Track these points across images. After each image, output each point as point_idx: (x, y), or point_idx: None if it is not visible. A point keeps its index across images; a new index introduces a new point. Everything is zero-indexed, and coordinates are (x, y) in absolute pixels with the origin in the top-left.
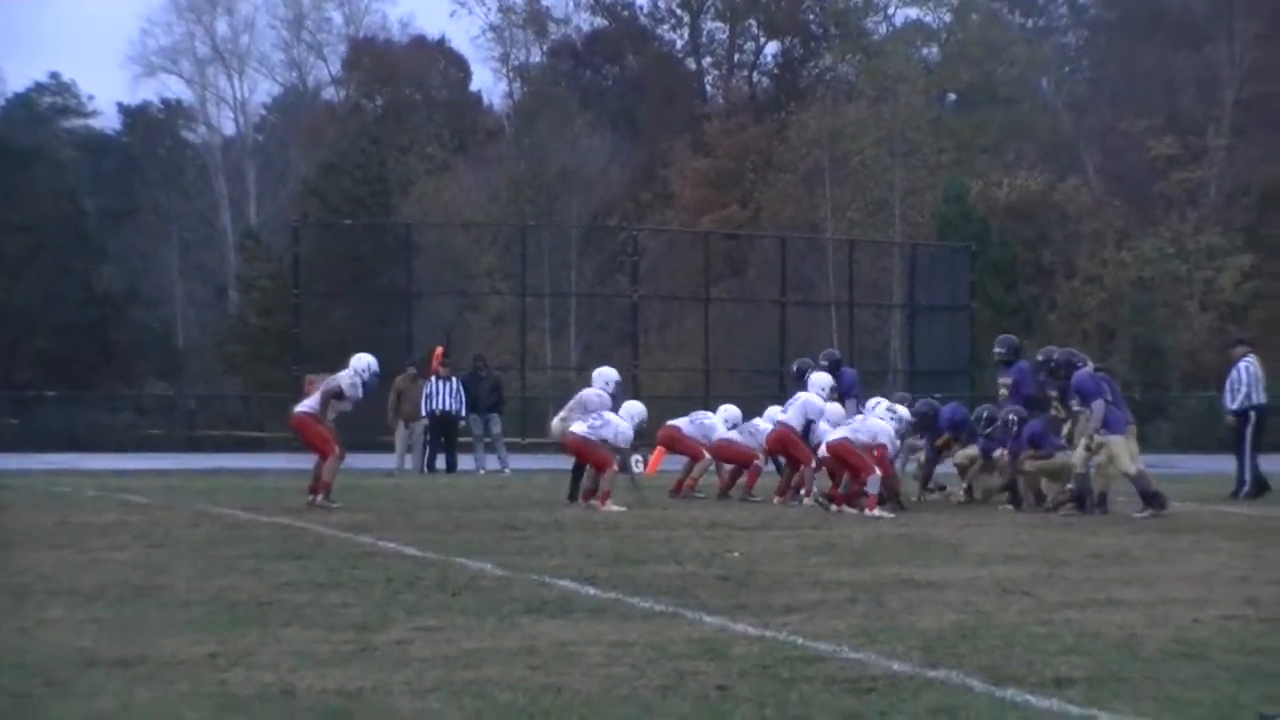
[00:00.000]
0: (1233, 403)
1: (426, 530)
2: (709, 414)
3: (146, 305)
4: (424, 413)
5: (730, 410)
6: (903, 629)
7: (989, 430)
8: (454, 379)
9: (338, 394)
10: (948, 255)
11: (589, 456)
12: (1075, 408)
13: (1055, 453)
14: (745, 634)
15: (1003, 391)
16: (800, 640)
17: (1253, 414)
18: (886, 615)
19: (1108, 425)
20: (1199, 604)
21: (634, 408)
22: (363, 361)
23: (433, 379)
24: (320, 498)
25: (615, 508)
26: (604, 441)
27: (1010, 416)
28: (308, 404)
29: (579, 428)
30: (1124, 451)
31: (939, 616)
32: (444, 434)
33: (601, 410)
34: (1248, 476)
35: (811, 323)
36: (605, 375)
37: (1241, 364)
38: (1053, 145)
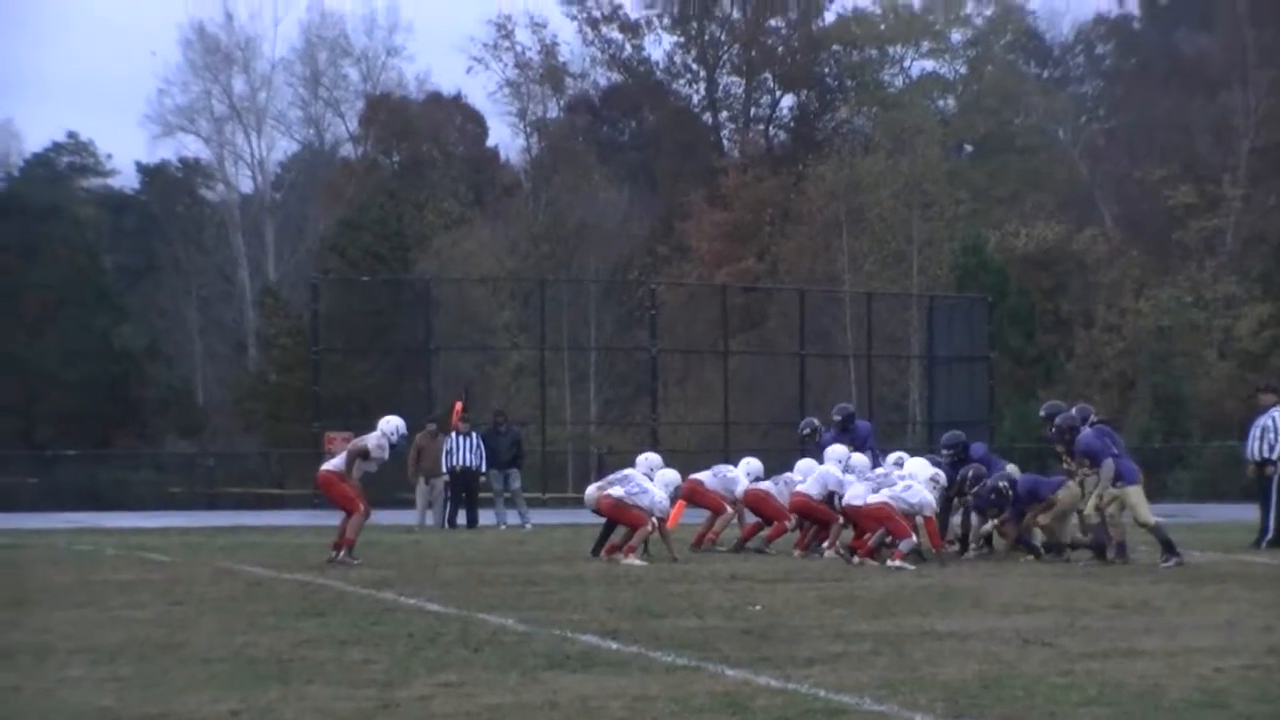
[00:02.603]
0: (1270, 451)
1: (448, 586)
2: (731, 467)
3: (166, 362)
4: (444, 468)
5: (753, 463)
6: (925, 680)
7: (975, 489)
8: (474, 434)
9: (364, 454)
10: (966, 306)
11: (623, 517)
12: (1078, 462)
13: (1057, 494)
14: (768, 687)
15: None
16: (823, 693)
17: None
18: (909, 666)
19: (1123, 477)
20: (1221, 653)
21: (668, 475)
22: (391, 424)
23: (453, 434)
24: (342, 554)
25: (636, 561)
26: (638, 509)
27: (1002, 484)
28: (333, 463)
29: (616, 492)
30: (1142, 502)
31: (961, 667)
32: (464, 489)
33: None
34: (1271, 525)
35: (830, 375)
36: (651, 461)
37: (1275, 412)
38: (1070, 195)
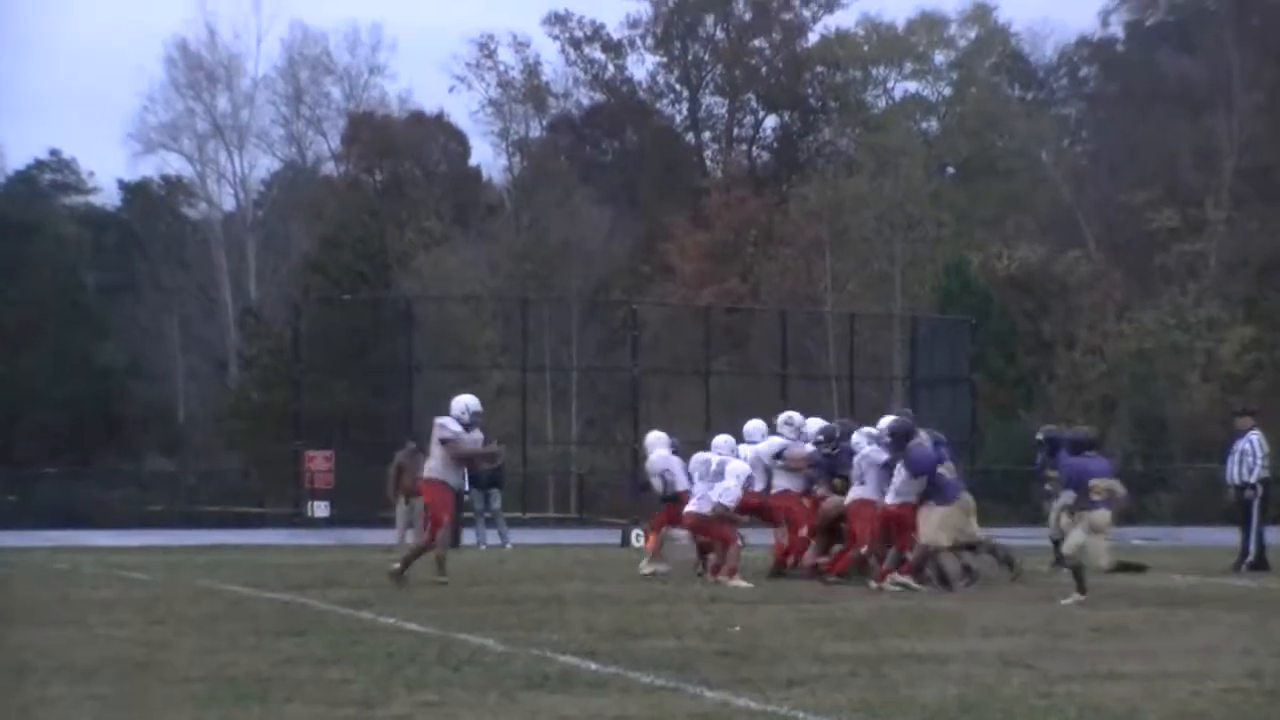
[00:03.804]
0: (1249, 475)
1: (427, 605)
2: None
3: (147, 380)
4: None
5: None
6: (904, 702)
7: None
8: None
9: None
10: (948, 327)
11: (710, 533)
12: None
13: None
14: (747, 708)
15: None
16: (802, 714)
17: (1260, 487)
18: (888, 688)
19: (942, 493)
20: (1200, 677)
21: (740, 467)
22: (460, 404)
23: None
24: (398, 567)
25: (741, 583)
26: (718, 506)
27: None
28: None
29: (693, 506)
30: (934, 522)
31: (941, 689)
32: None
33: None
34: (1252, 548)
35: (812, 395)
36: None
37: (1253, 436)
38: (1052, 217)
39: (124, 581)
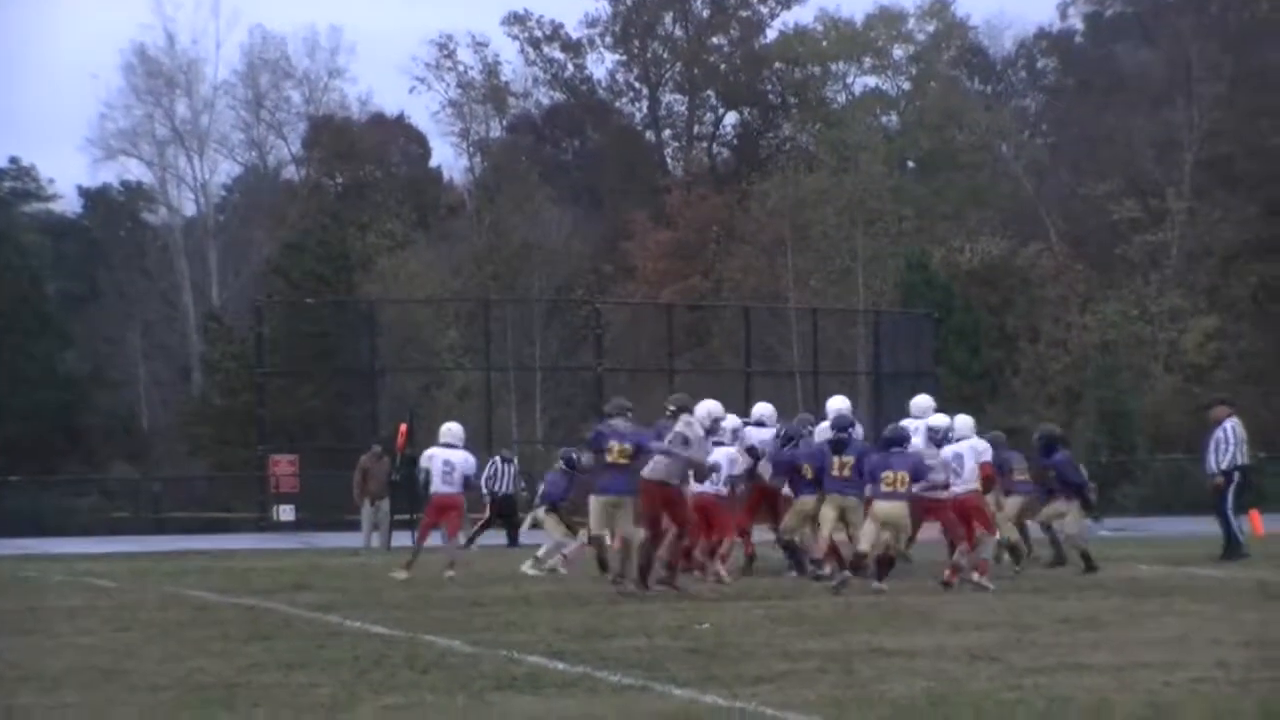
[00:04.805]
0: (1221, 463)
1: (393, 608)
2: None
3: (111, 388)
4: (485, 493)
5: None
6: (873, 698)
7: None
8: (514, 460)
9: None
10: (912, 322)
11: (714, 519)
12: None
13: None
14: (715, 706)
15: None
16: (770, 711)
17: (1237, 475)
18: (857, 684)
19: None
20: (1169, 667)
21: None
22: (704, 409)
23: (496, 460)
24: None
25: (726, 576)
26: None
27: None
28: (665, 472)
29: (706, 488)
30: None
31: (909, 685)
32: (501, 514)
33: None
34: (1224, 536)
35: (777, 392)
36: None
37: (1228, 424)
38: (1014, 210)
39: (91, 589)
